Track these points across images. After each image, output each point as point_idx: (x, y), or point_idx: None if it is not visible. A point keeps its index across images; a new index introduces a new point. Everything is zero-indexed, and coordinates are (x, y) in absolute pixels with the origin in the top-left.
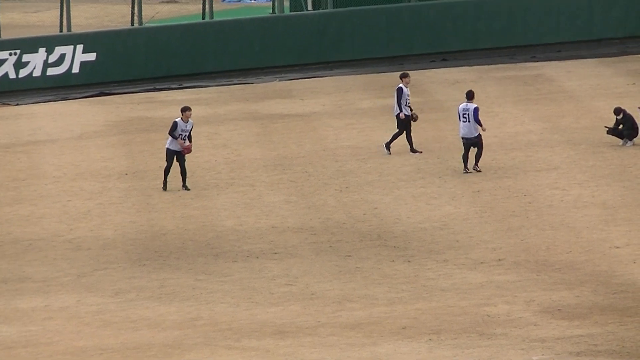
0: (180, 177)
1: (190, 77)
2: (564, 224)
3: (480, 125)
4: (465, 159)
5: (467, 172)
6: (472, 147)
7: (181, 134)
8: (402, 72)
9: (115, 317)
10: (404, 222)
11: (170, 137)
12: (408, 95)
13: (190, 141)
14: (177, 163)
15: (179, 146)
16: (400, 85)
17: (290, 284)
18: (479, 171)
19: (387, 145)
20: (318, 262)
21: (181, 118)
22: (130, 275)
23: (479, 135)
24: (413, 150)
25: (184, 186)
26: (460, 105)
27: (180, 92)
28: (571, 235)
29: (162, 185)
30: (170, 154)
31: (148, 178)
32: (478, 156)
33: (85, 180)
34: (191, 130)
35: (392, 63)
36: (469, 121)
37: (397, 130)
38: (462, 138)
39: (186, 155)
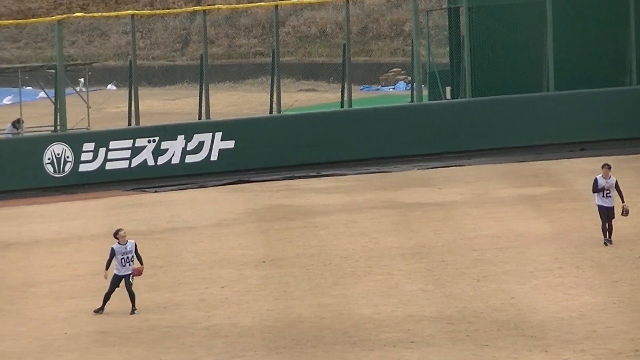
0: (130, 301)
1: (328, 165)
2: None
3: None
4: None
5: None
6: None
7: (123, 258)
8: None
9: None
10: (541, 311)
11: (115, 264)
12: (603, 187)
13: (141, 262)
14: (124, 287)
15: (126, 271)
16: (597, 175)
17: None
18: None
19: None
20: (455, 351)
21: (118, 242)
22: None
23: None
24: (607, 241)
25: (133, 310)
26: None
27: (318, 180)
28: None
29: (99, 308)
30: (117, 280)
31: (286, 266)
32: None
33: (222, 267)
34: (137, 250)
35: (530, 152)
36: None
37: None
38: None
39: (136, 277)
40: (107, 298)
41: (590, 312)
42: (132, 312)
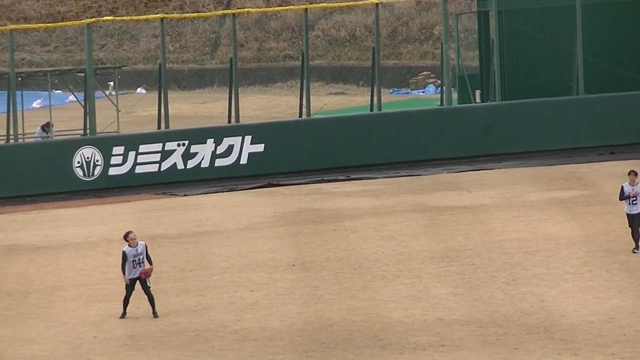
0: (149, 305)
1: (357, 168)
2: None
3: None
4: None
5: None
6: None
7: (134, 260)
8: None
9: None
10: (570, 315)
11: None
12: (629, 194)
13: (150, 263)
14: (142, 290)
15: (136, 273)
16: (623, 183)
17: None
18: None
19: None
20: (485, 355)
21: (128, 245)
22: None
23: None
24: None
25: (154, 313)
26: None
27: (347, 183)
28: None
29: (121, 314)
30: (131, 283)
31: (315, 269)
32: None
33: (252, 271)
34: (147, 251)
35: (559, 156)
36: None
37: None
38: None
39: (149, 278)
40: (126, 303)
41: (620, 315)
42: (155, 315)
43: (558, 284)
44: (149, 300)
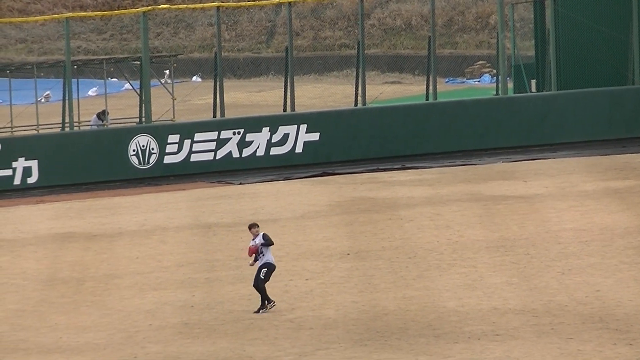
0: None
1: (413, 157)
2: None
3: None
4: None
5: None
6: None
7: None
8: None
9: None
10: (626, 305)
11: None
12: None
13: (270, 243)
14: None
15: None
16: None
17: None
18: None
19: None
20: (539, 345)
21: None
22: (352, 355)
23: None
24: None
25: (260, 308)
26: None
27: (403, 172)
28: None
29: (269, 303)
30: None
31: (370, 258)
32: None
33: (307, 260)
34: (265, 238)
35: (615, 145)
36: None
37: None
38: None
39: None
40: (261, 291)
41: None
42: (259, 309)
43: (613, 273)
44: (259, 292)
